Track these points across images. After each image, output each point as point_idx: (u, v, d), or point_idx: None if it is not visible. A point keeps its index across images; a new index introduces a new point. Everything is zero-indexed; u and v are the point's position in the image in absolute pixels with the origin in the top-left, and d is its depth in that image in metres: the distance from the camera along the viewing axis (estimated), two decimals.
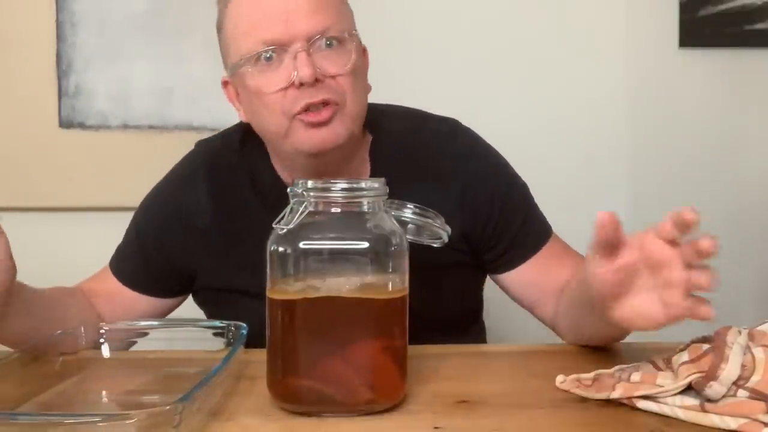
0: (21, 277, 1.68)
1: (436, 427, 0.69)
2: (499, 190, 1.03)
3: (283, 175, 1.02)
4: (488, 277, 1.10)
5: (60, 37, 1.61)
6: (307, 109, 0.91)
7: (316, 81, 0.89)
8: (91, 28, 1.62)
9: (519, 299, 1.06)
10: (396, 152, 1.02)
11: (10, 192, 1.62)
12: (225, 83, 1.01)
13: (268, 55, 0.90)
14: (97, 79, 1.62)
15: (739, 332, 0.74)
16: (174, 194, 1.05)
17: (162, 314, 1.08)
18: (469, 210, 1.01)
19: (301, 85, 0.89)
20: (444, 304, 1.03)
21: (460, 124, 1.07)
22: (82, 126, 1.62)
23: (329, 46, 0.91)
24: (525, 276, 1.03)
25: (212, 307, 1.08)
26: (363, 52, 0.99)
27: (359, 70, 0.95)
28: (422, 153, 1.02)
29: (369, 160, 1.03)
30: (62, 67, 1.61)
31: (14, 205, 1.62)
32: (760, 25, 1.69)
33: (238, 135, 1.06)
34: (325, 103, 0.91)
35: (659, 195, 1.74)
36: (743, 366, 0.67)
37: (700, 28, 1.69)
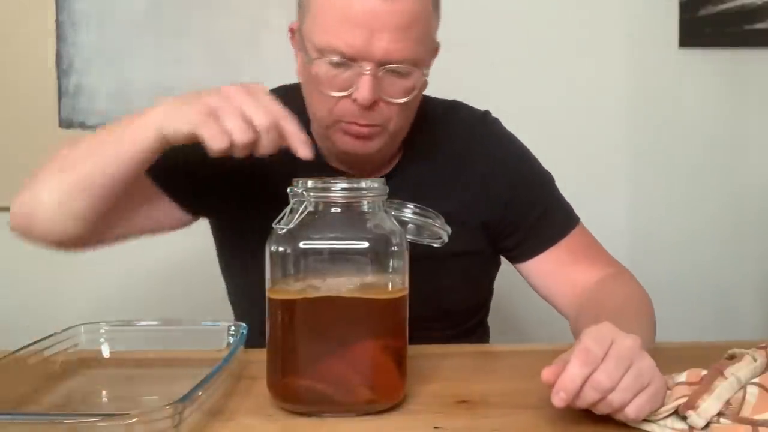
0: (20, 276, 1.69)
1: (436, 427, 0.69)
2: (522, 176, 1.06)
3: (317, 135, 1.01)
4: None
5: (60, 37, 1.61)
6: (352, 122, 0.92)
7: (371, 105, 0.90)
8: (91, 28, 1.62)
9: (536, 289, 1.07)
10: (427, 138, 1.04)
11: (10, 192, 1.61)
12: (292, 31, 0.99)
13: (337, 61, 0.89)
14: (97, 79, 1.62)
15: (754, 359, 0.73)
16: None
17: (169, 227, 1.05)
18: (491, 194, 1.03)
19: (355, 100, 0.90)
20: (454, 293, 1.05)
21: (491, 114, 1.10)
22: (82, 126, 1.62)
23: (395, 73, 0.90)
24: (543, 267, 1.04)
25: (235, 266, 1.09)
26: (435, 50, 0.99)
27: (414, 101, 0.95)
28: (452, 137, 1.05)
29: (401, 146, 1.04)
30: (62, 67, 1.61)
31: None
32: (760, 25, 1.69)
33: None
34: (366, 126, 0.93)
35: (659, 195, 1.74)
36: (728, 403, 0.67)
37: (700, 28, 1.69)
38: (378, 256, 0.72)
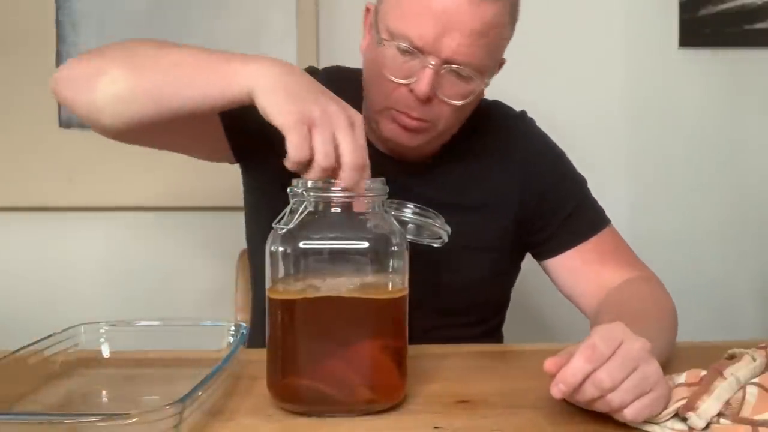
0: (20, 276, 1.68)
1: (436, 427, 0.69)
2: (558, 173, 1.08)
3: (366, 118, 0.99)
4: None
5: (60, 37, 1.61)
6: (403, 112, 0.93)
7: (426, 99, 0.91)
8: (91, 28, 1.62)
9: (560, 287, 1.08)
10: (470, 132, 1.05)
11: (10, 192, 1.61)
12: (368, 9, 1.00)
13: (405, 48, 0.90)
14: None
15: (753, 359, 0.73)
16: None
17: (209, 156, 1.05)
18: (528, 188, 1.05)
19: (412, 91, 0.91)
20: (478, 286, 1.06)
21: (527, 114, 1.13)
22: (82, 126, 1.61)
23: (458, 74, 0.91)
24: (570, 264, 1.05)
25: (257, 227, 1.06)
26: (500, 64, 1.01)
27: (468, 106, 0.96)
28: (493, 132, 1.08)
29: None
30: None
31: (14, 205, 1.62)
32: (760, 25, 1.69)
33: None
34: (416, 119, 0.93)
35: (659, 195, 1.74)
36: (728, 403, 0.67)
37: (700, 28, 1.69)
38: (378, 256, 0.72)
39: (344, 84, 0.94)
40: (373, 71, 0.95)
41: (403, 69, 0.91)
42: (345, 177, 0.72)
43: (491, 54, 0.94)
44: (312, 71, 1.06)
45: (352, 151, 0.72)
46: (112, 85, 0.85)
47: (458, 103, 0.93)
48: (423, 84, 0.90)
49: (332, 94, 0.78)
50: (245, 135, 0.99)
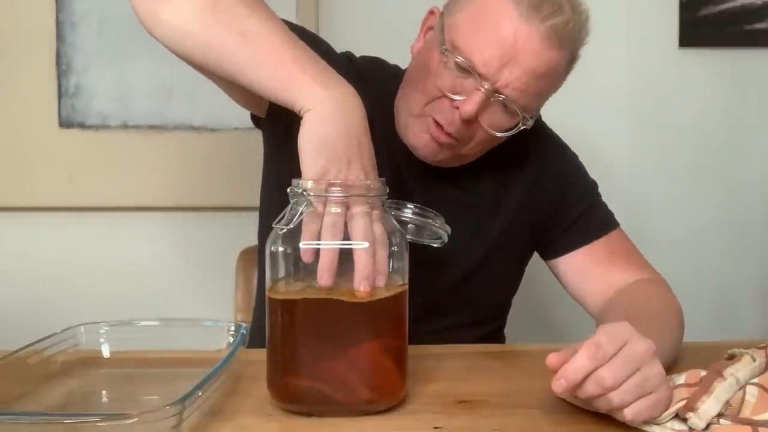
0: (20, 276, 1.68)
1: (436, 427, 0.69)
2: (571, 175, 1.10)
3: (399, 118, 0.99)
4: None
5: (60, 37, 1.61)
6: (437, 123, 0.92)
7: (468, 120, 0.90)
8: (91, 28, 1.62)
9: (567, 286, 1.08)
10: None
11: (10, 192, 1.61)
12: (432, 13, 0.99)
13: (464, 66, 0.90)
14: (97, 79, 1.62)
15: (753, 359, 0.73)
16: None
17: (253, 107, 1.04)
18: (540, 189, 1.06)
19: (456, 108, 0.90)
20: (482, 287, 1.05)
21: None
22: (82, 126, 1.62)
23: (504, 106, 0.91)
24: (578, 264, 1.05)
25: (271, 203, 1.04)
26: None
27: (498, 140, 0.96)
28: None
29: None
30: (62, 67, 1.61)
31: (14, 205, 1.62)
32: (760, 25, 1.69)
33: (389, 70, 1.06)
34: (449, 134, 0.93)
35: (659, 195, 1.74)
36: (728, 404, 0.67)
37: (700, 28, 1.69)
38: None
39: (389, 83, 0.96)
40: (422, 75, 0.94)
41: (455, 84, 0.91)
42: (356, 286, 0.71)
43: (540, 97, 0.95)
44: (349, 57, 1.06)
45: (364, 265, 0.70)
46: (181, 14, 0.82)
47: (495, 133, 0.93)
48: (471, 104, 0.89)
49: (369, 151, 0.76)
50: (281, 116, 0.95)
